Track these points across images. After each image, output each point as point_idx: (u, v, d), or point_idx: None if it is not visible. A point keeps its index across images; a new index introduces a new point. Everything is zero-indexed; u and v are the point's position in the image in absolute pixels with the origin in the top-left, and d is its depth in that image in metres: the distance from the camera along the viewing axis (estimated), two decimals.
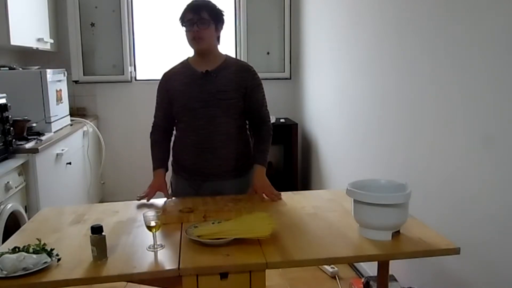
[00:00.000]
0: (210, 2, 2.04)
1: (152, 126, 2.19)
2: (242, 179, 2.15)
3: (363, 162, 2.92)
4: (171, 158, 2.20)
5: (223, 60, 2.10)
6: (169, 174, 2.20)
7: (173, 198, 2.08)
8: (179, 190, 2.15)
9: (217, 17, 2.02)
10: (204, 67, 2.05)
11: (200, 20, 1.97)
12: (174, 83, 2.08)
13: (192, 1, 2.03)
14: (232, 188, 2.09)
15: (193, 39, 2.00)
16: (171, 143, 2.19)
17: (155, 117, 2.19)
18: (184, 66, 2.12)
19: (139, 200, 1.99)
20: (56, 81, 3.38)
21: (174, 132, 2.18)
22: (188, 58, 2.14)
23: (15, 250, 1.41)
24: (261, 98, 2.15)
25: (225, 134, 2.06)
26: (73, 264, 1.39)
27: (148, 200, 1.99)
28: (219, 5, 2.05)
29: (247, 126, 2.19)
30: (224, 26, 2.08)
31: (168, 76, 2.13)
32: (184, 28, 2.02)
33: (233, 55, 4.52)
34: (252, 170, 2.14)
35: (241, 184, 2.13)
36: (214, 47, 2.08)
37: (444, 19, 1.97)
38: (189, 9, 1.99)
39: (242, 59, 4.44)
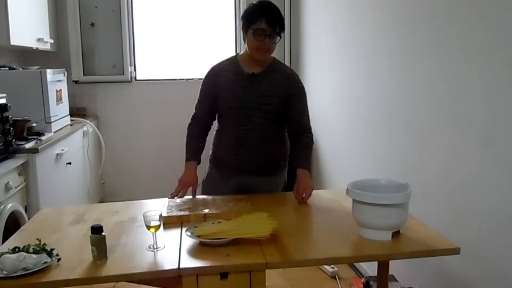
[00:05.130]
0: (281, 13, 2.00)
1: (192, 118, 2.19)
2: (271, 178, 2.19)
3: (363, 162, 2.92)
4: (210, 151, 2.25)
5: (270, 63, 2.11)
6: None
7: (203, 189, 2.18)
8: (210, 180, 2.23)
9: (284, 29, 2.01)
10: (252, 68, 2.07)
11: (273, 34, 1.96)
12: (220, 79, 2.10)
13: (268, 8, 1.99)
14: (260, 186, 2.13)
15: (260, 49, 2.00)
16: (213, 136, 2.23)
17: (197, 108, 2.19)
18: (232, 63, 2.12)
19: (171, 198, 2.00)
20: (56, 81, 3.38)
21: (216, 125, 2.22)
22: (237, 55, 2.15)
23: (15, 250, 1.41)
24: (302, 106, 2.14)
25: (260, 133, 2.09)
26: (73, 264, 1.39)
27: (181, 197, 2.01)
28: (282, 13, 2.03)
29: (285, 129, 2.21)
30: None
31: (216, 71, 2.14)
32: (247, 29, 1.99)
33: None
34: (283, 172, 2.24)
35: (269, 183, 2.18)
36: None
37: (443, 19, 1.97)
38: (264, 19, 1.94)
39: None
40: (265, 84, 2.07)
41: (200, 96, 2.18)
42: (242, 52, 2.14)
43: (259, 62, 2.08)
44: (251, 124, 2.07)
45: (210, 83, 2.13)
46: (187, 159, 2.12)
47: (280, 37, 1.99)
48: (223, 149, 2.17)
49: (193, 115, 2.20)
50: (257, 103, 2.06)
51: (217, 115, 2.19)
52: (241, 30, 2.07)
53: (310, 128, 2.18)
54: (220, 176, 2.19)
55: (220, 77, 2.10)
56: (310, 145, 2.17)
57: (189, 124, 2.19)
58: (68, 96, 3.71)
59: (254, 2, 2.06)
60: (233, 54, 2.20)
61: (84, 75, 4.34)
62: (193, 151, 2.14)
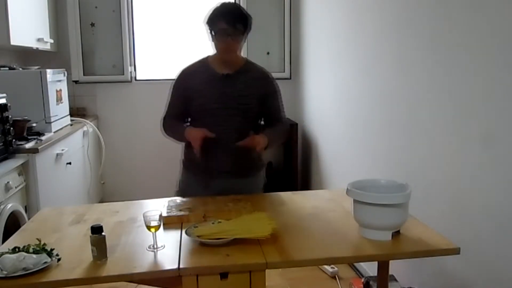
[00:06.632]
0: (242, 10, 2.01)
1: (163, 119, 2.16)
2: (251, 179, 2.17)
3: (363, 162, 2.92)
4: (182, 157, 2.21)
5: (243, 63, 2.11)
6: (176, 173, 2.20)
7: (178, 197, 2.07)
8: (187, 186, 2.17)
9: (248, 26, 2.00)
10: (224, 69, 2.06)
11: (235, 32, 1.95)
12: (193, 82, 2.08)
13: (226, 8, 1.99)
14: (241, 187, 2.09)
15: (225, 50, 2.00)
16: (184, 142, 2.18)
17: (167, 112, 2.15)
18: (203, 65, 2.10)
19: (199, 156, 1.96)
20: (56, 81, 3.38)
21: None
22: (208, 57, 2.13)
23: (15, 250, 1.41)
24: (278, 104, 2.16)
25: (239, 133, 2.07)
26: (73, 264, 1.39)
27: (202, 150, 1.96)
28: (247, 10, 2.03)
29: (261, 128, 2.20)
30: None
31: (187, 74, 2.11)
32: (210, 31, 1.99)
33: None
34: (262, 172, 2.22)
35: (250, 184, 2.15)
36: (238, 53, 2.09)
37: (444, 18, 1.97)
38: (223, 18, 1.94)
39: None
40: (241, 84, 2.06)
41: (170, 100, 2.13)
42: (212, 53, 2.11)
43: (231, 63, 2.06)
44: (229, 124, 2.04)
45: (182, 85, 2.09)
46: (182, 131, 2.05)
47: (245, 35, 1.98)
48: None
49: (163, 117, 2.15)
50: (234, 103, 2.04)
51: (189, 118, 2.14)
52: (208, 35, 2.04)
53: (286, 122, 2.21)
54: (198, 182, 2.13)
55: (193, 79, 2.07)
56: (282, 129, 2.17)
57: (162, 124, 2.14)
58: (68, 96, 3.71)
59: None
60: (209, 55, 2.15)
61: (84, 75, 4.34)
62: (183, 127, 2.09)
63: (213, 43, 2.03)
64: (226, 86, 2.04)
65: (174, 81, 2.14)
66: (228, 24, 1.93)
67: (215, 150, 2.06)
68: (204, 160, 2.08)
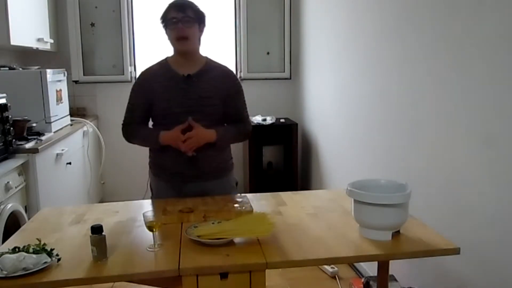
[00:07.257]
0: (193, 2, 2.01)
1: (123, 125, 2.07)
2: (223, 180, 2.12)
3: (363, 162, 2.92)
4: (149, 160, 2.16)
5: (204, 63, 2.06)
6: (145, 178, 2.17)
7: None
8: (161, 192, 2.10)
9: (200, 17, 1.99)
10: (185, 69, 2.01)
11: (185, 18, 1.93)
12: (153, 85, 2.01)
13: (175, 0, 1.99)
14: (214, 189, 2.06)
15: (178, 38, 1.96)
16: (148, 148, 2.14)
17: (127, 117, 2.07)
18: (163, 67, 2.05)
19: (191, 155, 1.92)
20: (56, 81, 3.38)
21: None
22: (167, 58, 2.08)
23: (15, 250, 1.41)
24: (241, 104, 2.12)
25: None
26: (73, 264, 1.39)
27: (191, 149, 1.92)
28: (201, 7, 2.02)
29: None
30: (206, 29, 2.04)
31: (147, 76, 2.05)
32: (164, 28, 2.01)
33: (233, 55, 4.53)
34: (233, 171, 2.17)
35: (222, 185, 2.10)
36: (196, 48, 2.05)
37: (444, 18, 1.97)
38: (173, 8, 1.96)
39: (242, 59, 4.47)
40: (203, 84, 2.00)
41: (130, 104, 2.05)
42: (171, 55, 2.07)
43: (191, 63, 2.02)
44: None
45: (143, 90, 2.02)
46: (157, 136, 1.97)
47: (196, 21, 1.96)
48: (168, 158, 2.03)
49: (123, 123, 2.07)
50: (198, 106, 1.97)
51: (153, 123, 2.08)
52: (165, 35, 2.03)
53: (249, 122, 2.16)
54: (171, 188, 2.06)
55: (154, 83, 2.00)
56: (242, 129, 2.11)
57: (123, 131, 2.07)
58: (68, 96, 3.71)
59: None
60: (169, 56, 2.09)
61: (84, 75, 4.34)
62: (153, 130, 2.03)
63: (168, 39, 2.02)
64: (188, 88, 1.98)
65: (134, 84, 2.07)
66: (178, 11, 1.94)
67: (184, 155, 1.97)
68: (177, 166, 2.03)
